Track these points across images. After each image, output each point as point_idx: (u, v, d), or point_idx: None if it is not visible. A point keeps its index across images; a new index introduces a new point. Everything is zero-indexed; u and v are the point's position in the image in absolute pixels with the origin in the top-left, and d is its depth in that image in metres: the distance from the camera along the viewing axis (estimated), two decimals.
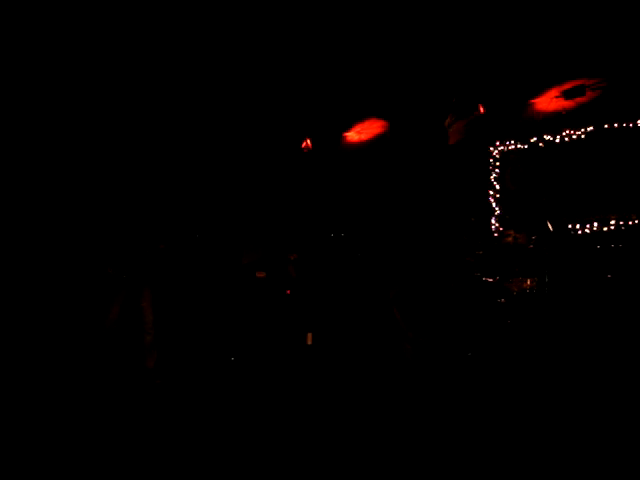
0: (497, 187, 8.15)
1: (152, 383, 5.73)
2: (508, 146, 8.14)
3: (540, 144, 7.84)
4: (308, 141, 9.98)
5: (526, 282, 6.33)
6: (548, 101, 7.92)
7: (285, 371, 6.12)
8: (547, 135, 7.78)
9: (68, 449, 3.81)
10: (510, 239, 6.61)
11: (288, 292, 7.66)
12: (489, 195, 8.16)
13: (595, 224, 7.14)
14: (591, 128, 7.44)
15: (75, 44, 7.58)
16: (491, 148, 8.26)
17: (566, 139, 7.63)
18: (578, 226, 7.25)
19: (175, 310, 7.51)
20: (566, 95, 7.70)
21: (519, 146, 8.06)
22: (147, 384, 5.70)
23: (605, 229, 7.06)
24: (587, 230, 7.18)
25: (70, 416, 4.60)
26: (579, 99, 7.63)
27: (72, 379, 5.69)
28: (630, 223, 6.93)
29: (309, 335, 6.35)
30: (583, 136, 7.50)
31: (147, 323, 5.88)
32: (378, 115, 9.47)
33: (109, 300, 5.71)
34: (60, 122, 8.01)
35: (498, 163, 8.20)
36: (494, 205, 8.11)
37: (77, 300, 7.35)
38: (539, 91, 8.07)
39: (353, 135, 9.76)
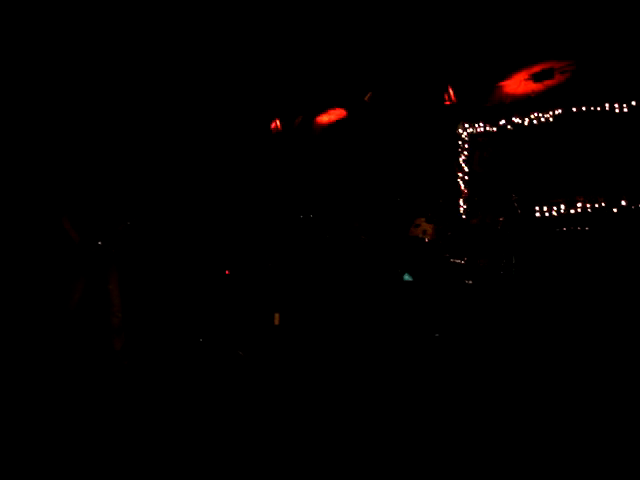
0: (465, 169, 8.14)
1: (119, 365, 5.59)
2: (477, 129, 8.14)
3: (508, 127, 7.85)
4: (277, 122, 9.89)
5: (493, 263, 6.34)
6: (517, 84, 7.93)
7: (253, 350, 6.07)
8: (516, 118, 7.79)
9: (32, 432, 3.73)
10: (478, 220, 6.61)
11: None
12: (457, 177, 8.16)
13: (562, 206, 7.17)
14: (559, 111, 7.46)
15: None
16: (460, 130, 8.25)
17: (534, 122, 7.64)
18: (545, 208, 7.28)
19: (143, 292, 7.40)
20: (535, 78, 7.72)
21: (488, 129, 8.06)
22: (114, 366, 5.55)
23: (572, 211, 7.09)
24: (554, 212, 7.21)
25: (34, 400, 4.50)
26: (548, 82, 7.64)
27: (36, 361, 5.56)
28: (597, 206, 6.97)
29: (276, 315, 6.30)
30: (551, 119, 7.52)
31: (114, 305, 5.71)
32: (341, 104, 9.42)
33: (72, 281, 5.55)
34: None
35: (467, 145, 8.19)
36: (462, 187, 8.11)
37: (40, 281, 7.19)
38: (508, 74, 8.07)
39: (322, 117, 9.69)
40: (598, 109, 7.19)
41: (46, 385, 4.94)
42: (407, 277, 6.50)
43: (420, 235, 6.56)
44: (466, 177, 8.12)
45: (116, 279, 5.74)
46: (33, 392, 4.71)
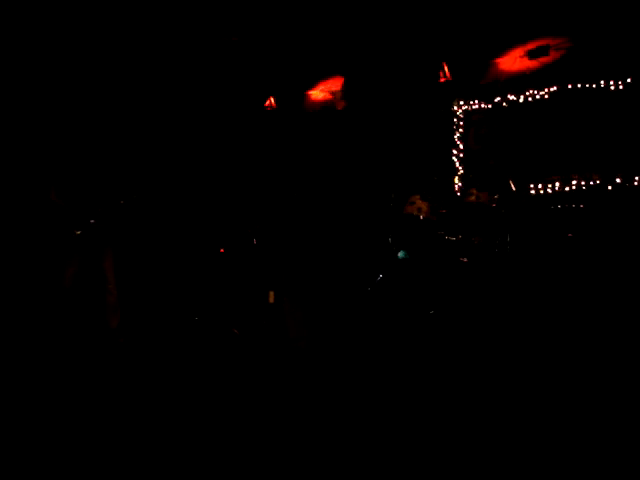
0: (460, 146, 8.12)
1: (115, 342, 5.62)
2: (472, 106, 8.10)
3: (504, 104, 7.82)
4: (272, 100, 9.81)
5: (488, 241, 6.34)
6: (512, 61, 7.89)
7: (248, 328, 6.07)
8: (511, 95, 7.75)
9: (30, 415, 3.72)
10: (473, 198, 6.60)
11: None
12: (452, 154, 8.14)
13: (557, 184, 7.17)
14: (555, 88, 7.43)
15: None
16: (455, 108, 8.22)
17: (530, 99, 7.61)
18: (540, 186, 7.28)
19: (138, 269, 7.38)
20: (530, 55, 7.68)
21: (483, 106, 8.02)
22: (110, 343, 5.58)
23: (567, 189, 7.10)
24: (549, 190, 7.22)
25: (31, 380, 4.48)
26: (543, 59, 7.60)
27: (33, 340, 5.54)
28: (591, 183, 6.98)
29: (271, 293, 6.28)
30: (547, 96, 7.49)
31: (109, 283, 5.74)
32: (341, 73, 9.32)
33: (66, 259, 5.53)
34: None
35: (462, 123, 8.16)
36: (457, 164, 8.09)
37: (34, 259, 7.14)
38: (503, 51, 8.02)
39: (317, 93, 9.62)
40: (593, 86, 7.17)
41: (42, 365, 4.93)
42: (402, 254, 6.50)
43: (415, 213, 6.54)
44: (461, 154, 8.10)
45: (111, 257, 5.75)
46: (29, 373, 4.70)
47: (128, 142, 7.65)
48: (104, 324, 5.67)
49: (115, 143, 6.21)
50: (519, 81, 7.76)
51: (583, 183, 7.01)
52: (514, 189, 6.58)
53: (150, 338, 5.94)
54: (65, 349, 5.36)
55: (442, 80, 8.16)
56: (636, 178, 6.71)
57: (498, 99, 7.85)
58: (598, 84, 7.12)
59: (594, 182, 6.95)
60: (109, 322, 5.70)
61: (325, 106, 9.37)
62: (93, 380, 4.49)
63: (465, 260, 6.34)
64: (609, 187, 6.84)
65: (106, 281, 5.71)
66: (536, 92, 7.56)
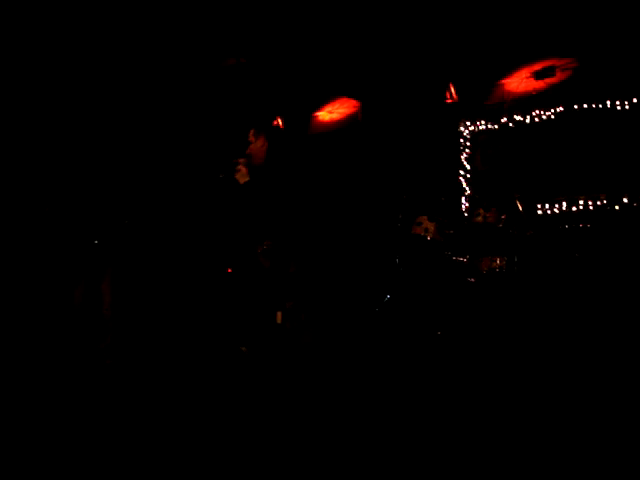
0: (467, 167, 8.15)
1: (102, 364, 5.52)
2: (478, 126, 8.14)
3: (510, 124, 7.85)
4: (279, 120, 9.88)
5: (495, 261, 6.34)
6: (518, 82, 7.93)
7: (256, 347, 6.07)
8: (517, 115, 7.79)
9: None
10: (480, 218, 6.61)
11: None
12: (459, 175, 8.17)
13: (564, 204, 7.18)
14: (561, 109, 7.46)
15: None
16: (461, 128, 8.25)
17: (536, 119, 7.64)
18: (547, 206, 7.29)
19: (142, 291, 7.38)
20: (536, 76, 7.72)
21: (489, 126, 8.06)
22: (97, 365, 5.49)
23: (574, 209, 7.11)
24: (556, 210, 7.22)
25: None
26: (549, 80, 7.64)
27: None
28: (598, 203, 6.98)
29: (279, 314, 6.28)
30: (553, 117, 7.52)
31: (104, 303, 5.69)
32: (349, 94, 9.38)
33: (72, 283, 5.55)
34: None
35: (468, 143, 8.20)
36: (464, 185, 8.12)
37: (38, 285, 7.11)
38: (509, 72, 8.06)
39: (324, 115, 9.68)
40: (600, 106, 7.19)
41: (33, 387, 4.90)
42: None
43: (422, 233, 6.55)
44: (468, 175, 8.13)
45: (110, 278, 5.73)
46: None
47: (133, 159, 7.69)
48: (94, 344, 5.58)
49: (119, 160, 6.22)
50: (525, 102, 7.80)
51: (590, 203, 7.02)
52: (521, 209, 6.59)
53: (149, 359, 5.89)
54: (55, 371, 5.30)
55: (449, 101, 8.21)
56: None
57: (504, 120, 7.89)
58: (604, 104, 7.14)
59: (601, 202, 6.96)
60: (99, 342, 5.61)
61: (332, 127, 9.43)
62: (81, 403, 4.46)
63: (472, 280, 6.34)
64: (616, 207, 6.84)
65: (102, 301, 5.67)
66: (542, 112, 7.59)
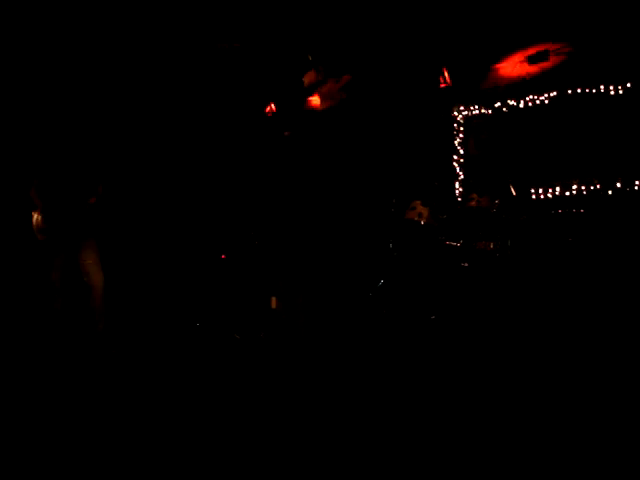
0: (461, 152, 8.15)
1: (105, 351, 5.35)
2: (472, 111, 8.13)
3: (504, 109, 7.84)
4: (272, 105, 9.83)
5: (489, 246, 6.35)
6: (512, 66, 7.92)
7: (250, 333, 6.07)
8: (511, 100, 7.78)
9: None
10: (474, 203, 6.61)
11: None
12: (453, 159, 8.17)
13: (557, 189, 7.20)
14: (555, 93, 7.46)
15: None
16: (455, 113, 8.24)
17: (530, 104, 7.64)
18: (541, 190, 7.31)
19: (136, 274, 7.35)
20: (530, 60, 7.71)
21: (483, 111, 8.05)
22: (98, 351, 5.34)
23: (567, 194, 7.12)
24: (549, 195, 7.24)
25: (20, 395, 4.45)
26: (543, 64, 7.63)
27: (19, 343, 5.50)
28: (592, 188, 7.00)
29: (273, 299, 6.28)
30: (547, 101, 7.52)
31: (95, 284, 5.43)
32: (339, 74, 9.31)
33: (49, 263, 5.35)
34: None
35: (462, 128, 8.19)
36: (458, 169, 8.12)
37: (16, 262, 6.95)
38: (503, 56, 8.05)
39: (316, 99, 9.61)
40: (593, 91, 7.20)
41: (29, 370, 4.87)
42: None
43: (416, 218, 6.56)
44: (462, 160, 8.13)
45: (95, 254, 5.47)
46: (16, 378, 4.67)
47: (127, 144, 7.62)
48: (91, 329, 5.42)
49: (111, 144, 6.10)
50: (519, 86, 7.79)
51: (583, 188, 7.03)
52: (515, 194, 6.60)
53: (145, 344, 5.83)
54: (53, 353, 5.25)
55: (442, 85, 8.18)
56: (636, 182, 6.74)
57: (498, 104, 7.88)
58: (598, 89, 7.15)
59: (594, 187, 6.98)
60: (96, 327, 5.44)
61: (325, 111, 9.37)
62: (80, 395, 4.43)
63: (466, 265, 6.36)
64: (609, 192, 6.87)
65: (91, 283, 5.42)
66: (536, 97, 7.59)
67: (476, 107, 8.10)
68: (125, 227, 6.30)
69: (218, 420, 3.56)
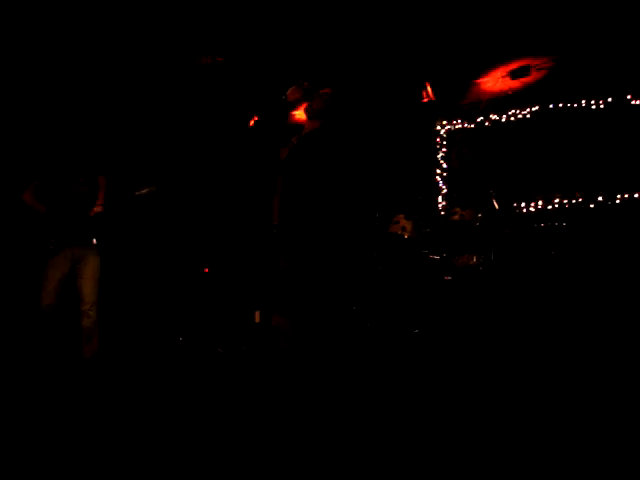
0: (444, 166, 8.18)
1: (88, 378, 4.95)
2: (455, 125, 8.17)
3: (486, 123, 7.89)
4: (256, 118, 9.82)
5: (472, 259, 6.36)
6: (494, 81, 7.97)
7: (233, 348, 6.03)
8: (493, 115, 7.83)
9: None
10: (457, 217, 6.63)
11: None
12: (436, 174, 8.20)
13: (540, 202, 7.23)
14: (536, 108, 7.52)
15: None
16: (438, 127, 8.28)
17: (512, 119, 7.69)
18: (523, 204, 7.34)
19: (121, 290, 7.27)
20: (512, 75, 7.76)
21: (465, 125, 8.10)
22: (81, 379, 4.94)
23: (550, 207, 7.16)
24: (532, 208, 7.27)
25: None
26: (525, 79, 7.70)
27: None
28: (574, 201, 7.04)
29: (257, 313, 6.26)
30: (529, 116, 7.57)
31: (86, 303, 5.06)
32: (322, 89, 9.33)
33: (43, 275, 4.94)
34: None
35: (445, 142, 8.23)
36: (441, 184, 8.15)
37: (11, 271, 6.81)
38: (485, 71, 8.09)
39: (301, 114, 9.64)
40: (575, 106, 7.26)
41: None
42: None
43: (399, 232, 6.56)
44: (445, 174, 8.16)
45: (93, 268, 5.18)
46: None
47: (118, 150, 7.56)
48: (76, 355, 5.07)
49: (106, 150, 6.00)
50: (501, 101, 7.85)
51: (566, 201, 7.07)
52: (497, 208, 6.62)
53: (127, 358, 5.70)
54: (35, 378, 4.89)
55: (425, 100, 8.21)
56: (618, 196, 6.78)
57: (481, 119, 7.92)
58: (579, 103, 7.21)
59: (576, 200, 7.01)
60: (82, 352, 5.07)
61: (308, 126, 9.38)
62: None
63: (449, 278, 6.36)
64: (591, 205, 6.91)
65: (82, 300, 5.07)
66: (518, 112, 7.64)
67: (459, 121, 8.14)
68: (106, 241, 6.21)
69: (200, 433, 3.52)
